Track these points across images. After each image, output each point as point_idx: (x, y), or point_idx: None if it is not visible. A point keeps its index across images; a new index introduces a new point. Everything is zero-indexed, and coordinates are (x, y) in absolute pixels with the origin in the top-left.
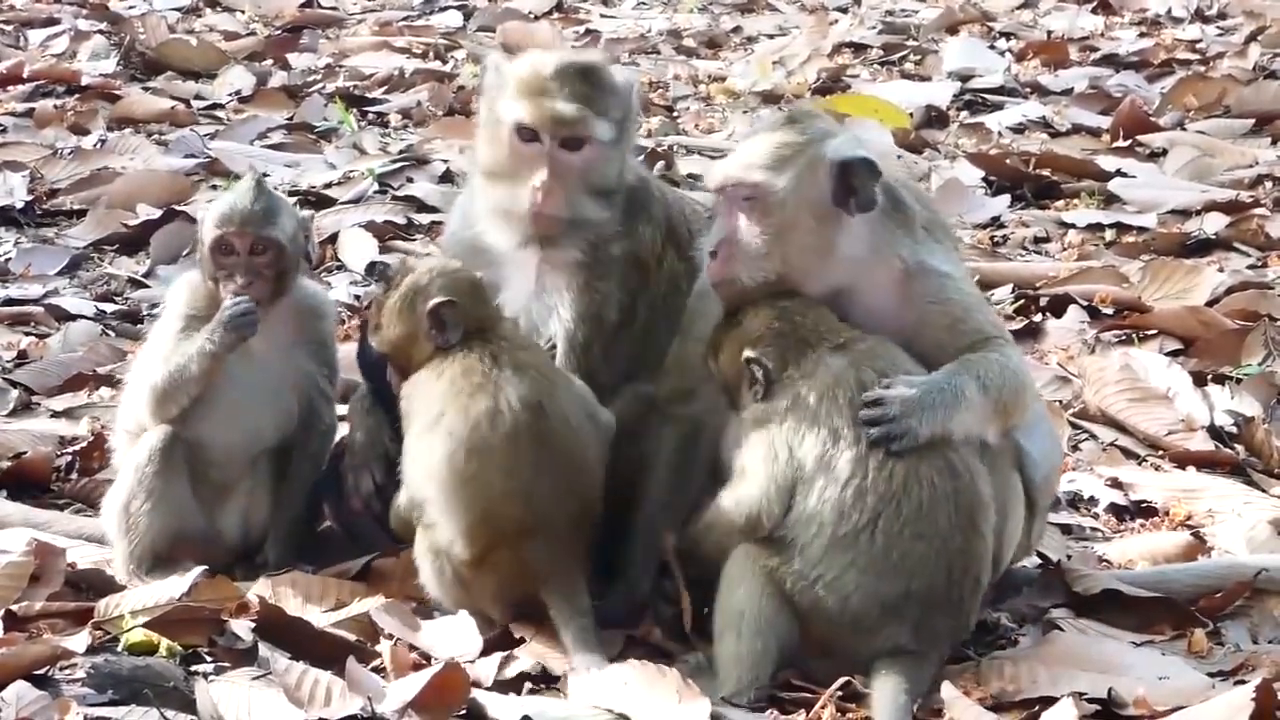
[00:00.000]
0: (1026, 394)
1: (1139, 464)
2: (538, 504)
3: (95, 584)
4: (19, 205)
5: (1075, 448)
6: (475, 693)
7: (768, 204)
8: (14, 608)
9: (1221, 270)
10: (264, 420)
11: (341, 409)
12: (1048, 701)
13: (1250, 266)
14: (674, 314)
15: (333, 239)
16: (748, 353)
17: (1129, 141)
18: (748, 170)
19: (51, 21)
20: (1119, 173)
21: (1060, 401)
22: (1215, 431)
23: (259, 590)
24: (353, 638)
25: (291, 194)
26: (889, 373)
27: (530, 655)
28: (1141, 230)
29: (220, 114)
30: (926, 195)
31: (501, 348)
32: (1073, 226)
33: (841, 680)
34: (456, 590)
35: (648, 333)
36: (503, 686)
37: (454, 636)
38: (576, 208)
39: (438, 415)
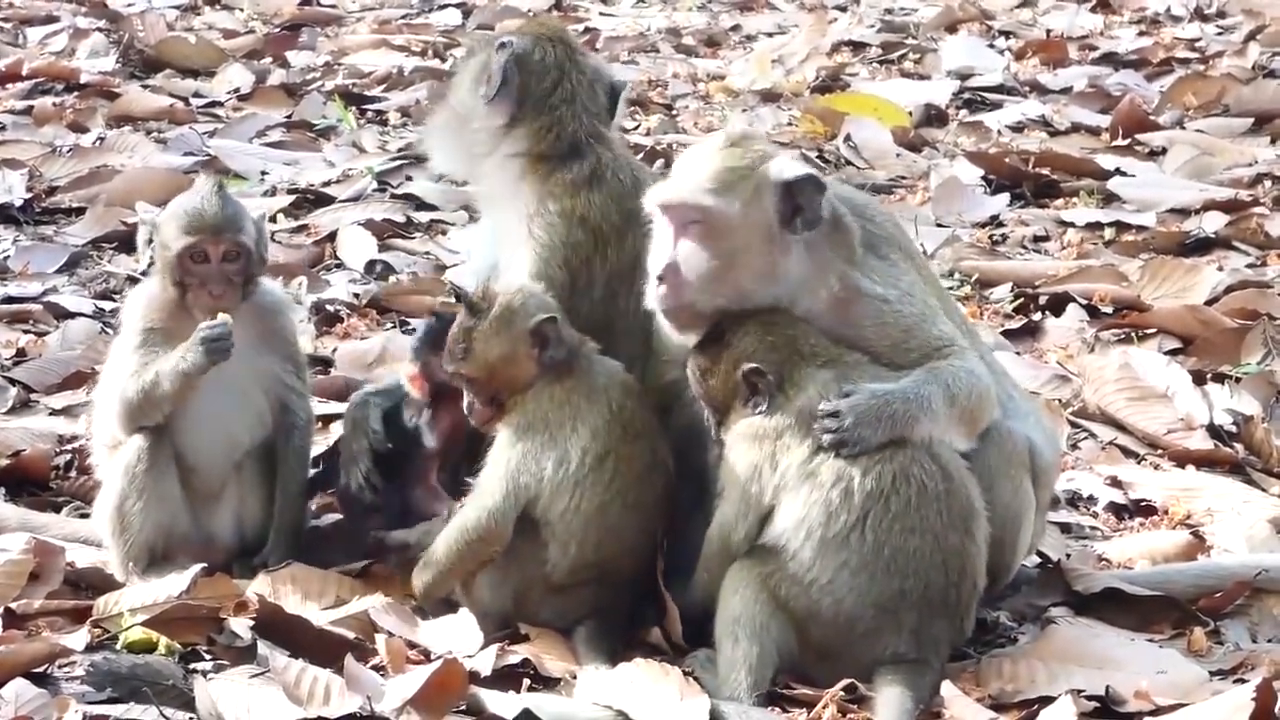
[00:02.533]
0: (989, 398)
1: (1138, 463)
2: (640, 550)
3: (94, 582)
4: (18, 203)
5: (1075, 446)
6: (474, 689)
7: (718, 229)
8: (13, 606)
9: (1221, 269)
10: (236, 425)
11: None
12: (1047, 700)
13: (1249, 265)
14: (643, 295)
15: (331, 237)
16: (747, 366)
17: (1128, 140)
18: (696, 194)
19: (50, 19)
20: (1118, 171)
21: (1060, 400)
22: (1214, 430)
23: (258, 588)
24: (351, 635)
25: (290, 192)
26: (859, 385)
27: (529, 653)
28: (1141, 229)
29: (219, 112)
30: (871, 206)
31: (624, 380)
32: (1072, 225)
33: (844, 682)
34: (508, 602)
35: (609, 304)
36: (502, 683)
37: (453, 634)
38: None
39: (599, 455)
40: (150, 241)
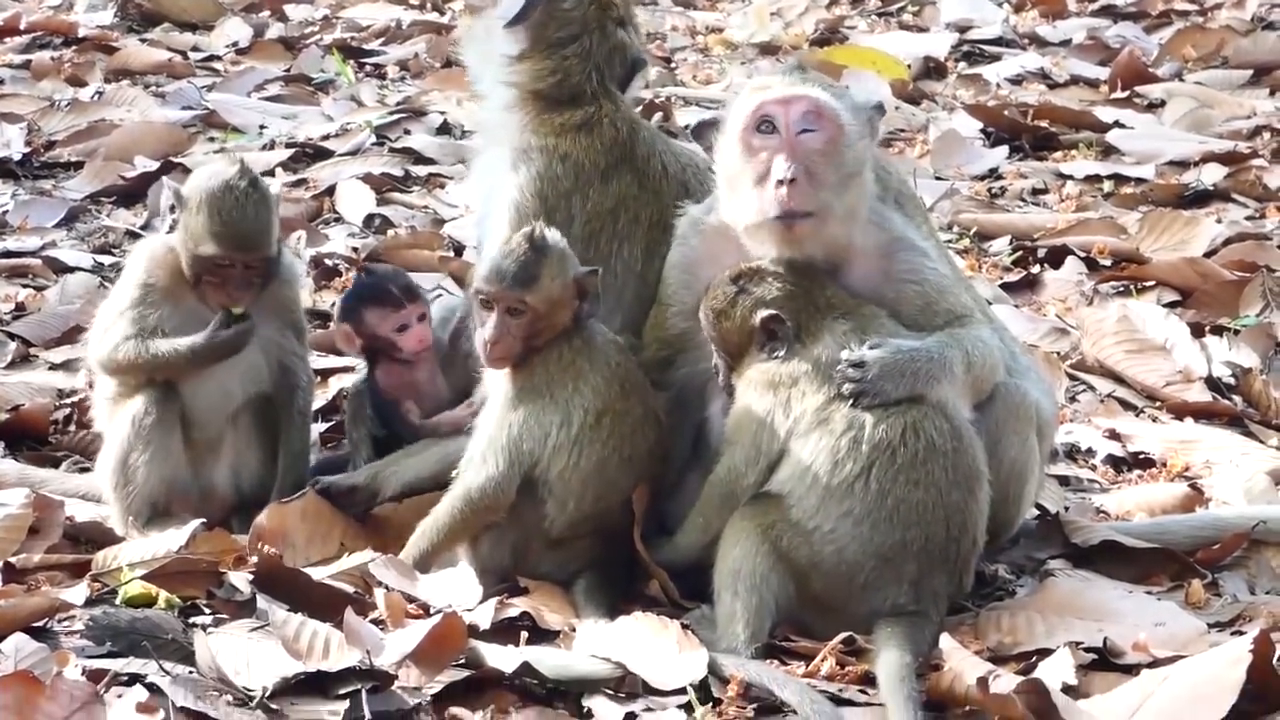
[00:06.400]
0: (999, 371)
1: (1137, 415)
2: (630, 502)
3: (93, 537)
4: (16, 157)
5: (1073, 399)
6: (473, 642)
7: (847, 135)
8: (13, 560)
9: (1219, 221)
10: (231, 380)
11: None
12: (1045, 652)
13: (1248, 218)
14: (625, 240)
15: (330, 191)
16: (765, 313)
17: (1127, 93)
18: (826, 97)
19: None
20: (1117, 124)
21: (1058, 353)
22: (1213, 382)
23: (268, 519)
24: (351, 590)
25: (288, 146)
26: (884, 338)
27: (528, 606)
28: (1139, 181)
29: (218, 66)
30: (887, 160)
31: (614, 337)
32: (1070, 178)
33: (843, 635)
34: (507, 557)
35: (588, 245)
36: (501, 637)
37: (452, 588)
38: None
39: (599, 413)
40: (174, 209)
